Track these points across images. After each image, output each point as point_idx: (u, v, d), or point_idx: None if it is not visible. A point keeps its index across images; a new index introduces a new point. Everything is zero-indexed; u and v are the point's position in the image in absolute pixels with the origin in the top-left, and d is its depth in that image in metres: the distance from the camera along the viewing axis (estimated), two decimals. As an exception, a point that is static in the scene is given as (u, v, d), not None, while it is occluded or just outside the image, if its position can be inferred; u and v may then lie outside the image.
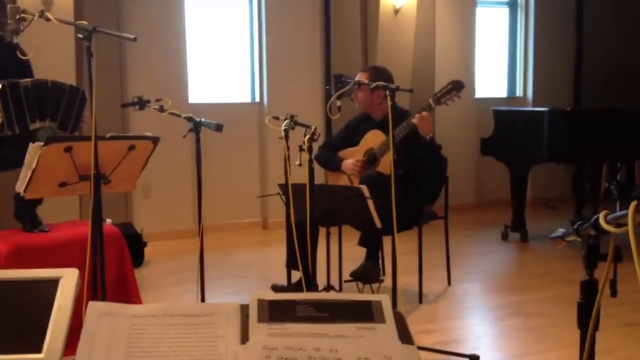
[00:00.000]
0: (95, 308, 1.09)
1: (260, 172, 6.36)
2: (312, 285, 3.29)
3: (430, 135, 3.70)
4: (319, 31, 6.43)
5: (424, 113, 3.63)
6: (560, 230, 1.61)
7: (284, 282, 3.71)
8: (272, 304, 1.14)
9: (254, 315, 1.12)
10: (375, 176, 3.76)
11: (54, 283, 1.06)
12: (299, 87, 6.33)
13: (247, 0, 6.32)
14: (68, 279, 1.07)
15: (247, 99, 6.41)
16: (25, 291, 1.06)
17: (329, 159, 4.11)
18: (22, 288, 1.06)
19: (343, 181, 4.06)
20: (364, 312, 1.13)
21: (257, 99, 6.37)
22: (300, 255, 3.24)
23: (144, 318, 1.08)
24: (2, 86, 3.23)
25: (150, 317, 1.08)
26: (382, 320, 1.14)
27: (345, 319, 1.11)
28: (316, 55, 6.43)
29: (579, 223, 1.48)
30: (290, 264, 3.54)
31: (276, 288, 3.99)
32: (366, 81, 3.69)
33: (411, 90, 3.31)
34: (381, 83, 3.34)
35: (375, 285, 3.74)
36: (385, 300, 1.16)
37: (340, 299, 1.17)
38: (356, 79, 4.01)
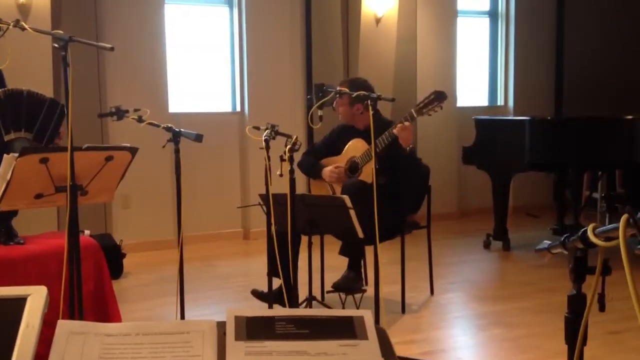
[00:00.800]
0: (64, 327, 1.05)
1: (241, 182, 6.32)
2: (292, 294, 3.25)
3: (411, 146, 3.68)
4: (300, 40, 6.41)
5: (406, 123, 3.62)
6: (546, 242, 1.58)
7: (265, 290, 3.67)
8: (250, 320, 1.10)
9: (231, 333, 1.08)
10: (358, 184, 3.74)
11: (21, 301, 1.01)
12: (280, 96, 6.30)
13: (228, 9, 6.29)
14: (36, 297, 1.03)
15: (228, 108, 6.37)
16: (-9, 310, 1.01)
17: (311, 166, 4.10)
18: (-12, 307, 1.01)
19: (326, 189, 4.04)
20: (346, 329, 1.09)
21: (238, 109, 6.33)
22: (281, 264, 3.20)
23: (115, 337, 1.03)
24: None
25: (123, 335, 1.04)
26: (364, 336, 1.11)
27: (326, 336, 1.07)
28: (297, 65, 6.41)
29: (565, 236, 1.45)
30: (272, 272, 3.51)
31: (256, 293, 3.94)
32: (347, 90, 3.68)
33: (393, 100, 3.29)
34: (362, 93, 3.33)
35: (358, 296, 3.70)
36: (367, 315, 1.13)
37: (321, 315, 1.13)
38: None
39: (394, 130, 3.62)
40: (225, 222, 6.23)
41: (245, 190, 6.29)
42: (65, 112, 3.41)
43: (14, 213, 3.39)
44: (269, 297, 3.42)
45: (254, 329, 1.09)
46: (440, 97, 3.59)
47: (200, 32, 6.24)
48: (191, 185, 5.49)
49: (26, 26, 2.68)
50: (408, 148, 3.66)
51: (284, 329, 1.08)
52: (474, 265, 5.19)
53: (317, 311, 1.15)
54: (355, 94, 3.39)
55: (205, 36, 6.26)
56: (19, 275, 3.17)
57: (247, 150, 6.20)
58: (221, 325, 1.10)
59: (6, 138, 3.27)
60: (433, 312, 3.98)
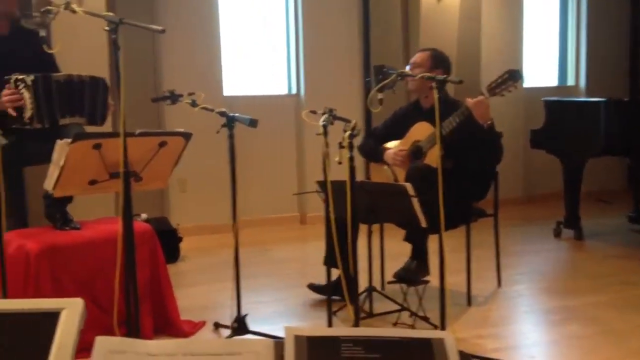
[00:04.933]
0: (103, 344, 0.92)
1: (297, 166, 6.20)
2: (352, 286, 3.10)
3: (489, 122, 3.47)
4: (358, 20, 6.21)
5: (481, 97, 3.41)
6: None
7: (322, 281, 3.55)
8: (312, 341, 0.95)
9: (290, 356, 0.93)
10: (423, 168, 3.56)
11: (53, 317, 0.89)
12: (336, 78, 6.12)
13: (284, -12, 6.14)
14: (71, 312, 0.90)
15: (283, 90, 6.24)
16: (21, 326, 0.89)
17: (372, 149, 3.94)
18: (18, 322, 0.90)
19: (386, 173, 3.88)
20: (423, 353, 0.93)
21: (294, 91, 6.20)
22: (340, 254, 3.06)
23: (158, 357, 0.90)
24: (35, 78, 3.15)
25: (167, 356, 0.91)
26: (444, 362, 0.94)
27: (400, 361, 0.92)
28: (354, 45, 6.21)
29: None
30: (329, 262, 3.38)
31: (313, 287, 3.83)
32: (410, 72, 3.50)
33: (460, 82, 3.07)
34: (427, 74, 3.15)
35: (420, 287, 3.53)
36: (448, 338, 0.96)
37: (394, 336, 0.97)
38: (413, 59, 3.82)
39: (469, 104, 3.41)
40: (282, 207, 6.13)
41: (301, 173, 6.17)
42: (108, 85, 3.38)
43: (69, 199, 3.37)
44: (327, 290, 3.29)
45: (317, 352, 0.94)
46: (515, 76, 3.36)
47: (255, 12, 6.11)
48: (247, 168, 5.40)
49: (76, 9, 2.60)
50: (486, 124, 3.45)
51: (351, 351, 0.93)
52: (544, 255, 4.92)
53: (389, 331, 0.99)
54: (419, 75, 3.20)
55: (261, 17, 6.13)
56: (74, 262, 3.15)
57: (303, 132, 6.07)
58: (278, 346, 0.95)
59: (61, 122, 3.25)
60: (501, 305, 3.77)
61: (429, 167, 3.54)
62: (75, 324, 0.90)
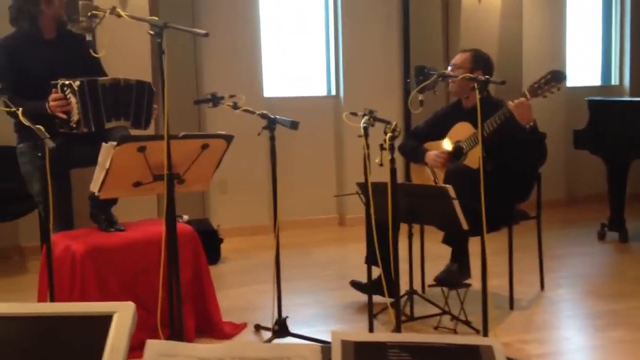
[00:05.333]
0: (153, 348, 0.94)
1: (337, 167, 6.20)
2: (393, 287, 3.09)
3: (531, 124, 3.42)
4: (397, 21, 6.18)
5: (522, 99, 3.37)
6: None
7: (363, 280, 3.55)
8: (359, 346, 0.95)
9: (338, 361, 0.94)
10: (463, 170, 3.53)
11: (106, 320, 0.91)
12: (375, 79, 6.11)
13: (323, -10, 6.15)
14: (123, 315, 0.92)
15: (323, 92, 6.25)
16: (74, 329, 0.91)
17: (413, 150, 3.92)
18: (71, 325, 0.92)
19: (427, 174, 3.85)
20: (471, 360, 0.93)
21: (333, 92, 6.20)
22: (380, 255, 3.05)
23: (208, 361, 0.91)
24: (81, 83, 3.21)
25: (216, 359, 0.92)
26: (492, 369, 0.93)
27: (447, 367, 0.91)
28: (394, 46, 6.18)
29: None
30: (370, 260, 3.36)
31: (355, 284, 3.82)
32: (451, 73, 3.48)
33: (503, 82, 3.03)
34: (468, 75, 3.12)
35: (462, 290, 3.49)
36: (496, 345, 0.95)
37: (441, 343, 0.96)
38: (454, 60, 3.79)
39: (509, 105, 3.37)
40: (321, 208, 6.14)
41: (340, 175, 6.17)
42: (154, 89, 3.43)
43: (114, 201, 3.42)
44: (369, 288, 3.28)
45: (363, 357, 0.94)
46: (559, 77, 3.31)
47: (294, 14, 6.13)
48: (286, 170, 5.42)
49: (122, 13, 2.65)
50: (528, 126, 3.40)
51: (398, 357, 0.92)
52: (588, 259, 4.82)
53: (436, 337, 0.98)
54: (460, 76, 3.18)
55: (300, 18, 6.15)
56: (119, 262, 3.20)
57: (342, 133, 6.07)
58: (325, 351, 0.95)
59: (107, 126, 3.30)
60: (544, 309, 3.71)
61: (468, 168, 3.51)
62: (127, 327, 0.92)
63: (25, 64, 3.36)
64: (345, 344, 0.96)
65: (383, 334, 0.91)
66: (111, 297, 3.09)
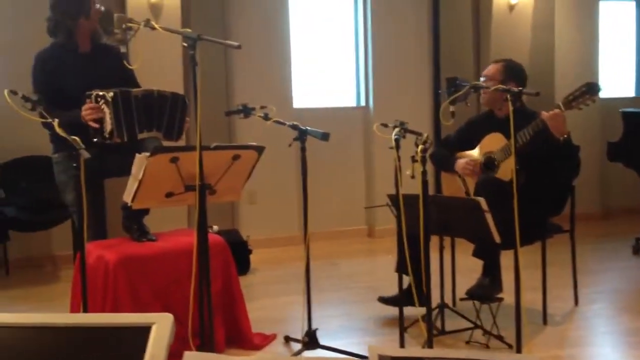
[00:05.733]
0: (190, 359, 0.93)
1: (366, 178, 6.19)
2: (423, 297, 3.06)
3: (565, 136, 3.37)
4: (427, 31, 6.17)
5: (557, 110, 3.32)
6: None
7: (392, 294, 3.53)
8: (398, 362, 0.94)
9: (376, 376, 0.92)
10: (493, 182, 3.49)
11: (145, 331, 0.91)
12: (405, 90, 6.09)
13: (352, 1, 6.16)
14: (161, 326, 0.92)
15: (352, 103, 6.25)
16: (113, 339, 0.92)
17: (444, 158, 3.90)
18: (110, 336, 0.92)
19: (457, 184, 3.82)
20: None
21: (363, 103, 6.20)
22: (411, 269, 3.03)
23: (246, 374, 0.91)
24: (114, 94, 3.24)
25: (254, 373, 0.91)
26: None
27: (488, 384, 0.89)
28: (424, 57, 6.17)
29: None
30: (401, 269, 3.33)
31: (384, 300, 3.79)
32: (483, 84, 3.45)
33: (537, 94, 3.00)
34: (501, 87, 3.09)
35: (494, 305, 3.44)
36: (539, 362, 0.93)
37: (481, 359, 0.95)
38: (486, 71, 3.76)
39: (544, 117, 3.33)
40: (350, 219, 6.12)
41: (370, 186, 6.15)
42: (187, 102, 3.46)
43: (146, 211, 3.45)
44: (399, 299, 3.24)
45: (402, 372, 0.92)
46: (594, 89, 3.26)
47: (324, 24, 6.15)
48: (315, 180, 5.41)
49: (156, 25, 2.67)
50: (562, 138, 3.35)
51: (438, 373, 0.91)
52: (623, 274, 4.72)
53: (474, 354, 0.96)
54: (493, 87, 3.15)
55: (330, 29, 6.17)
56: (150, 272, 3.22)
57: (371, 144, 6.06)
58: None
59: (139, 136, 3.33)
60: (578, 325, 3.64)
61: (498, 181, 3.47)
62: (165, 338, 0.92)
63: (61, 77, 3.41)
64: (382, 359, 0.95)
65: (420, 350, 0.89)
66: (143, 306, 3.12)
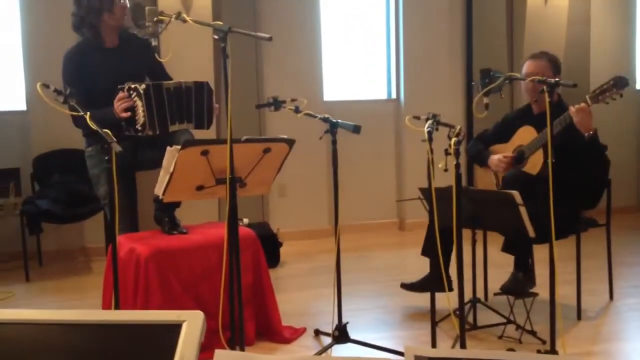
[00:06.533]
0: (223, 358, 0.92)
1: (397, 171, 6.14)
2: (451, 282, 3.00)
3: (591, 132, 3.28)
4: (460, 23, 6.08)
5: (583, 104, 3.24)
6: None
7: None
8: (434, 363, 0.91)
9: (412, 377, 0.90)
10: (519, 176, 3.44)
11: (175, 329, 0.90)
12: (437, 82, 6.03)
13: (384, -8, 6.11)
14: (192, 324, 0.91)
15: (383, 95, 6.20)
16: (143, 337, 0.90)
17: (478, 152, 3.88)
18: (140, 333, 0.91)
19: (490, 178, 3.78)
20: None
21: (394, 96, 6.14)
22: (443, 262, 2.99)
23: (278, 373, 0.89)
24: (146, 86, 3.25)
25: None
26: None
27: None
28: (456, 49, 6.08)
29: None
30: (428, 253, 3.28)
31: (407, 286, 3.79)
32: (519, 75, 3.39)
33: (574, 85, 2.92)
34: (537, 77, 3.02)
35: (528, 300, 3.38)
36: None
37: (521, 361, 0.92)
38: (532, 68, 3.66)
39: (570, 111, 3.25)
40: (380, 212, 6.09)
41: (400, 179, 6.11)
42: (211, 88, 3.45)
43: (177, 204, 3.46)
44: (426, 284, 3.19)
45: (438, 373, 0.90)
46: (620, 83, 3.17)
47: (355, 17, 6.10)
48: (345, 173, 5.37)
49: (187, 18, 2.67)
50: (587, 135, 3.27)
51: (475, 375, 0.88)
52: (660, 268, 4.63)
53: (513, 355, 0.93)
54: (529, 79, 3.09)
55: (361, 21, 6.12)
56: (181, 265, 3.23)
57: (402, 137, 6.01)
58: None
59: (171, 129, 3.34)
60: (613, 319, 3.57)
61: (525, 175, 3.42)
62: (196, 336, 0.90)
63: (92, 74, 3.42)
64: (419, 359, 0.92)
65: (459, 351, 0.87)
66: (173, 298, 3.13)
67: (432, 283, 3.00)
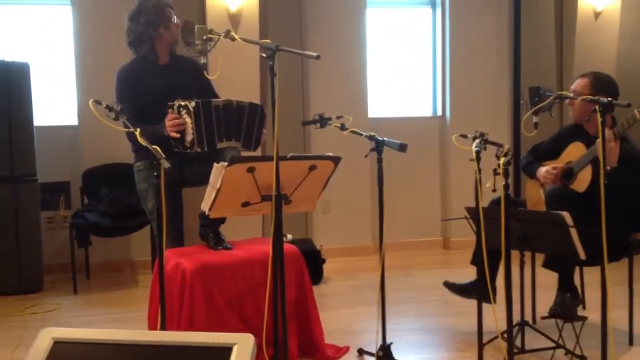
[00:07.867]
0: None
1: (441, 189, 6.08)
2: (496, 294, 2.93)
3: (614, 166, 3.17)
4: (508, 40, 6.01)
5: (611, 144, 3.14)
6: None
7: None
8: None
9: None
10: (563, 192, 3.36)
11: (226, 352, 0.89)
12: (484, 99, 5.96)
13: (431, 9, 6.08)
14: (243, 347, 0.91)
15: (428, 112, 6.15)
16: (193, 359, 0.90)
17: (529, 164, 3.83)
18: (190, 355, 0.91)
19: (538, 192, 3.73)
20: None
21: (439, 113, 6.10)
22: (490, 282, 2.93)
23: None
24: (196, 104, 3.30)
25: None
26: None
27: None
28: (504, 66, 6.01)
29: None
30: (477, 261, 3.21)
31: (450, 286, 3.79)
32: (571, 94, 3.32)
33: (628, 105, 2.85)
34: (588, 97, 2.95)
35: (577, 324, 3.29)
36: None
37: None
38: (573, 86, 3.61)
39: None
40: (425, 230, 6.03)
41: (445, 197, 6.04)
42: (265, 112, 3.48)
43: (223, 220, 3.48)
44: (470, 289, 3.13)
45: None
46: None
47: (401, 34, 6.09)
48: (389, 190, 5.36)
49: (236, 36, 2.70)
50: (609, 167, 3.12)
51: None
52: None
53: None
54: (580, 97, 3.02)
55: (407, 38, 6.11)
56: (226, 280, 3.24)
57: (447, 155, 5.95)
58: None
59: (218, 146, 3.38)
60: (667, 347, 3.45)
61: (568, 191, 3.34)
62: (247, 359, 0.90)
63: (144, 89, 3.49)
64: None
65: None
66: (218, 313, 3.14)
67: (477, 290, 2.94)
